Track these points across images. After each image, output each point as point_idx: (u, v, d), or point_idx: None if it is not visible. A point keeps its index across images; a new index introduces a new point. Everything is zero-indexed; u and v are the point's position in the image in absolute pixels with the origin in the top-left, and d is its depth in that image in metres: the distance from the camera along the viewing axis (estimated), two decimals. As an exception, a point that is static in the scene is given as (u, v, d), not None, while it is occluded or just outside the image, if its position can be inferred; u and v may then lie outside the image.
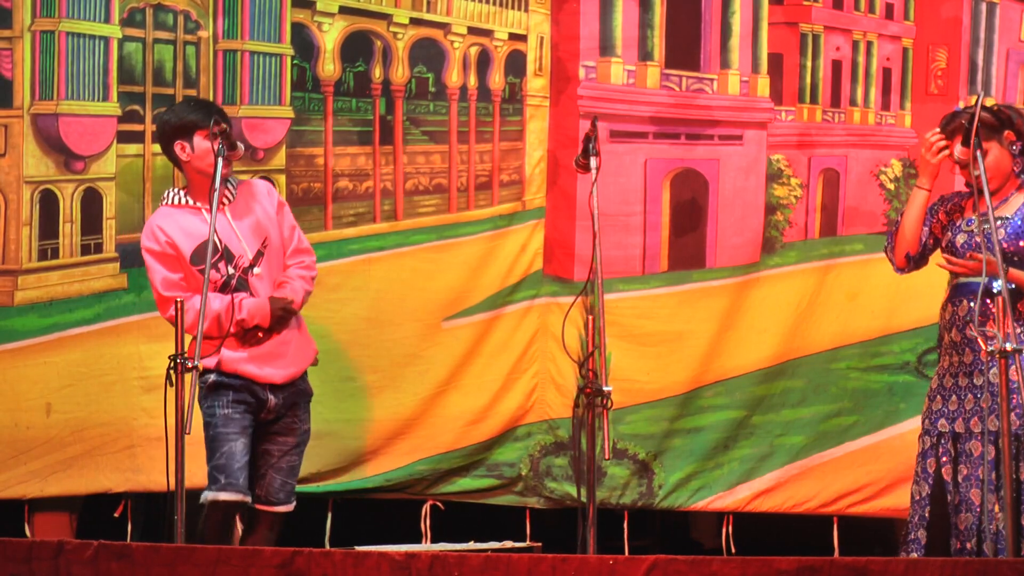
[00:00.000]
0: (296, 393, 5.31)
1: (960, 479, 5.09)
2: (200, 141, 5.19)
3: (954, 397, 5.16)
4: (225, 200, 5.23)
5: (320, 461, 6.21)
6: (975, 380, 5.09)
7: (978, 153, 4.91)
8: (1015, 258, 5.12)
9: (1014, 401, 4.93)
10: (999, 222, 5.10)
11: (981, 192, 4.87)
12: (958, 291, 5.17)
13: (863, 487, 6.38)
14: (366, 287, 6.28)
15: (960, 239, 5.20)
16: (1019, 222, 5.15)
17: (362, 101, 6.34)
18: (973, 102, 4.98)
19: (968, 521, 5.04)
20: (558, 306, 6.29)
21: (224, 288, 5.20)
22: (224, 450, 5.14)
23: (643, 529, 6.75)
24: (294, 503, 5.36)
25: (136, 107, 6.17)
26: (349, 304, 6.21)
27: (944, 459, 5.13)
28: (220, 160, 5.05)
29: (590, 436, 4.95)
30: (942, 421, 5.17)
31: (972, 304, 5.00)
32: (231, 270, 5.21)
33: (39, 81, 6.08)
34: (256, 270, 5.25)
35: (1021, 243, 5.13)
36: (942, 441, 5.15)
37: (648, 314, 6.40)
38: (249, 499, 5.20)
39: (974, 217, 5.11)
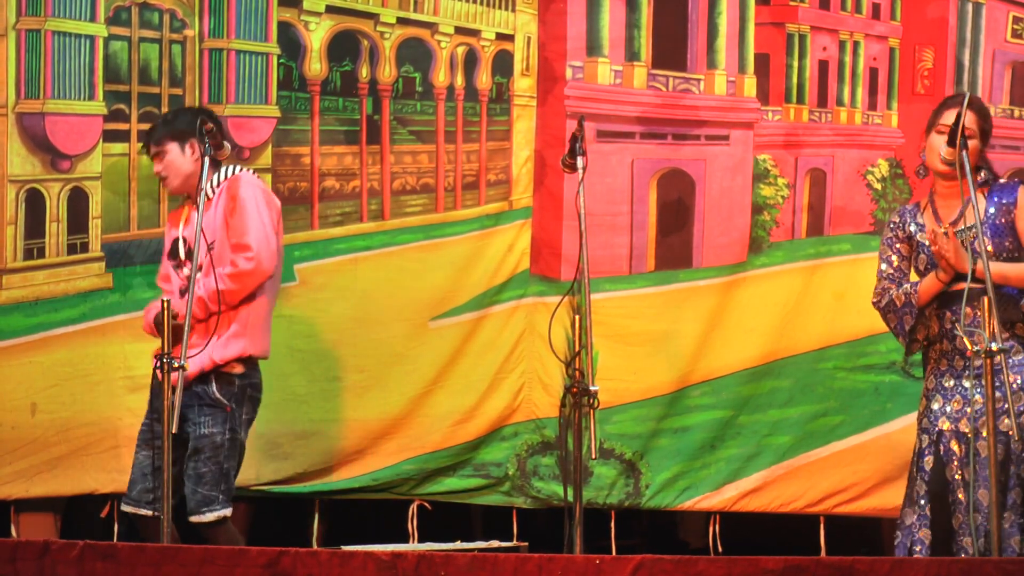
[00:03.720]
0: (189, 396, 5.11)
1: (968, 479, 5.01)
2: None
3: (958, 397, 5.06)
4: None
5: (306, 461, 6.20)
6: (981, 381, 5.01)
7: (963, 154, 4.86)
8: (1004, 256, 5.07)
9: (1002, 406, 4.90)
10: (971, 230, 4.98)
11: (965, 176, 4.81)
12: (942, 302, 5.10)
13: (850, 487, 6.38)
14: (353, 287, 6.27)
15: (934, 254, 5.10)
16: (990, 223, 5.08)
17: (349, 100, 6.33)
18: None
19: (976, 520, 4.97)
20: (545, 306, 6.29)
21: (187, 290, 5.13)
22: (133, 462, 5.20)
23: (630, 529, 6.75)
24: (218, 512, 5.13)
25: (122, 106, 6.16)
26: (335, 303, 6.19)
27: (945, 458, 5.07)
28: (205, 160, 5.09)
29: (577, 436, 4.94)
30: (943, 419, 5.09)
31: (956, 312, 4.96)
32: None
33: (24, 80, 6.06)
34: (198, 275, 5.11)
35: (1007, 243, 5.08)
36: (942, 440, 5.08)
37: (635, 314, 6.40)
38: (150, 512, 5.10)
39: (945, 229, 5.02)
